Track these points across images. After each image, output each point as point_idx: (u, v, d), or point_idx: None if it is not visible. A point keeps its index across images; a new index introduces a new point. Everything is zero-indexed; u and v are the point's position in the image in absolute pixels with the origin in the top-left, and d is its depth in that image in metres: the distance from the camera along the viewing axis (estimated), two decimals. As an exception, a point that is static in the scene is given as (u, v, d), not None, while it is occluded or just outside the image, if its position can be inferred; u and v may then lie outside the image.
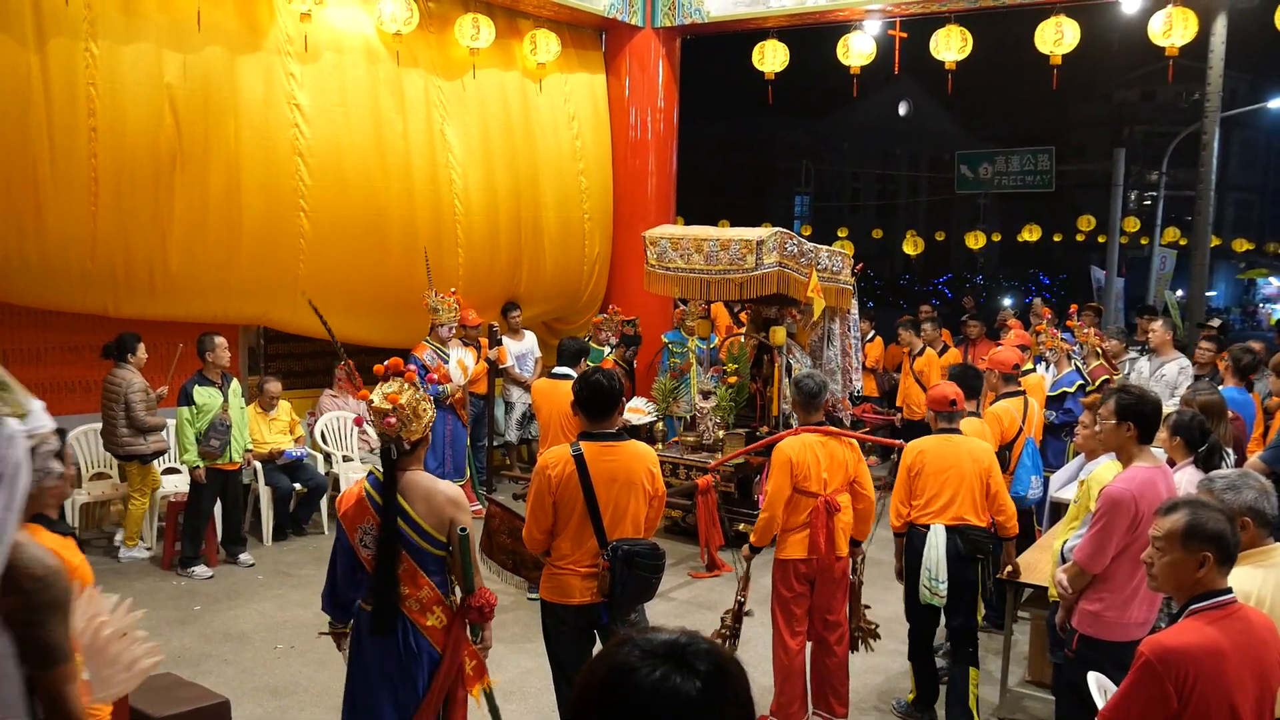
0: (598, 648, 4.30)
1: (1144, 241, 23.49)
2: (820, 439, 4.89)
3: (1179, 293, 19.00)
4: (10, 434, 1.97)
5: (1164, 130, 27.57)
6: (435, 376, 8.17)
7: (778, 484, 4.81)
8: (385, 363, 3.69)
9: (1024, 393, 6.51)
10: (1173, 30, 8.17)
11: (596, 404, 4.11)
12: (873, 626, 5.28)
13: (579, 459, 4.02)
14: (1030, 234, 21.43)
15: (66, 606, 2.24)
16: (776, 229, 7.79)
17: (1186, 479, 4.48)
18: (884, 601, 6.13)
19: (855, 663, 5.34)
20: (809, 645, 5.03)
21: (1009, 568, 5.07)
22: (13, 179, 6.80)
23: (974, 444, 5.15)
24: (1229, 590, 2.74)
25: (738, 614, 5.20)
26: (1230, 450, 5.08)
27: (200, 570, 7.14)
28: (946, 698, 5.21)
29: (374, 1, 8.38)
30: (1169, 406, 5.85)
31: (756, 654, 5.55)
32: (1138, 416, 3.94)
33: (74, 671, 2.30)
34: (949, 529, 4.99)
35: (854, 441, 5.03)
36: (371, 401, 3.64)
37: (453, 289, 8.48)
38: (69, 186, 6.99)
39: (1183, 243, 20.32)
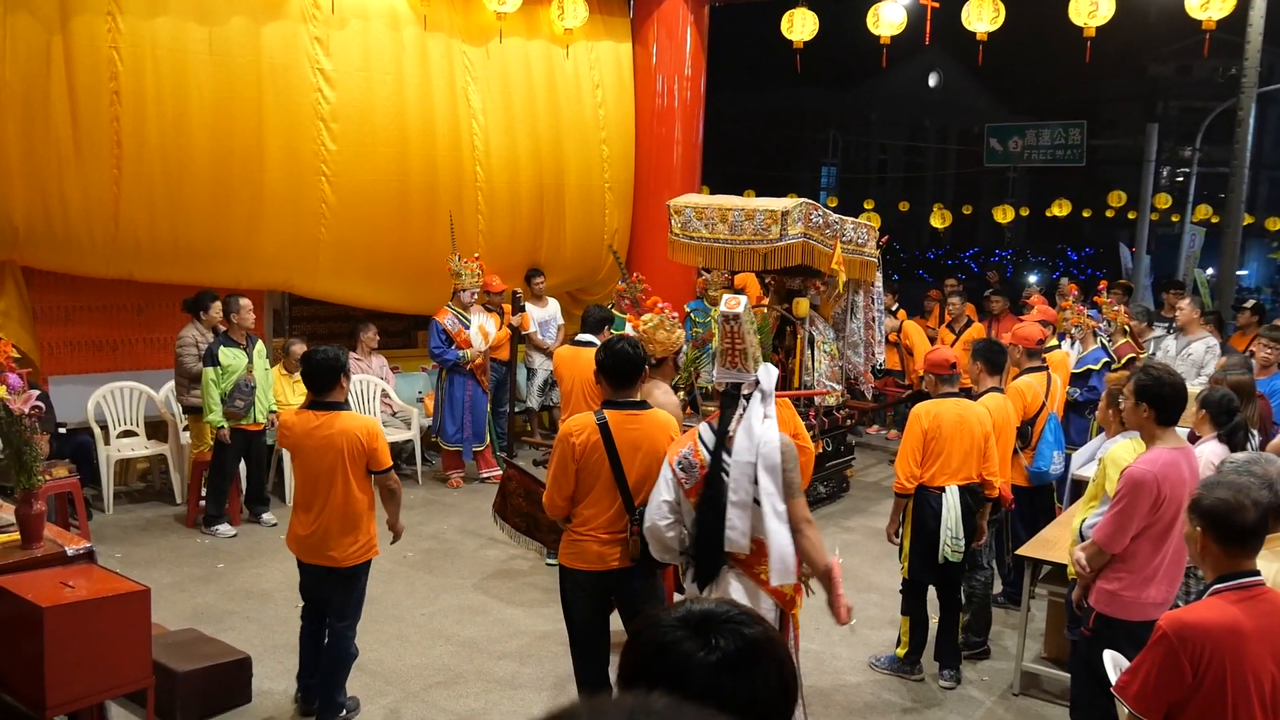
0: (614, 614, 4.34)
1: (1175, 219, 23.19)
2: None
3: (1209, 271, 18.76)
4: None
5: (1199, 106, 27.11)
6: (458, 341, 8.23)
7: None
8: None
9: (1047, 368, 6.47)
10: (1210, 3, 8.01)
11: (621, 371, 4.12)
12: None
13: (604, 427, 4.04)
14: (1060, 209, 21.20)
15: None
16: (802, 200, 7.74)
17: (1210, 452, 4.47)
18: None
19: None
20: None
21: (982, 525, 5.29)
22: (35, 149, 6.89)
23: (979, 408, 5.31)
24: (1257, 573, 2.73)
25: None
26: (1255, 432, 5.04)
27: (224, 529, 7.23)
28: (938, 642, 5.36)
29: (401, -36, 8.35)
30: (1195, 386, 5.80)
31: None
32: (1155, 398, 3.92)
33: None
34: (960, 489, 5.16)
35: (787, 400, 4.99)
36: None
37: (476, 255, 8.50)
38: (93, 155, 7.07)
39: (1215, 220, 20.04)
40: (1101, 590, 3.92)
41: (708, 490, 3.71)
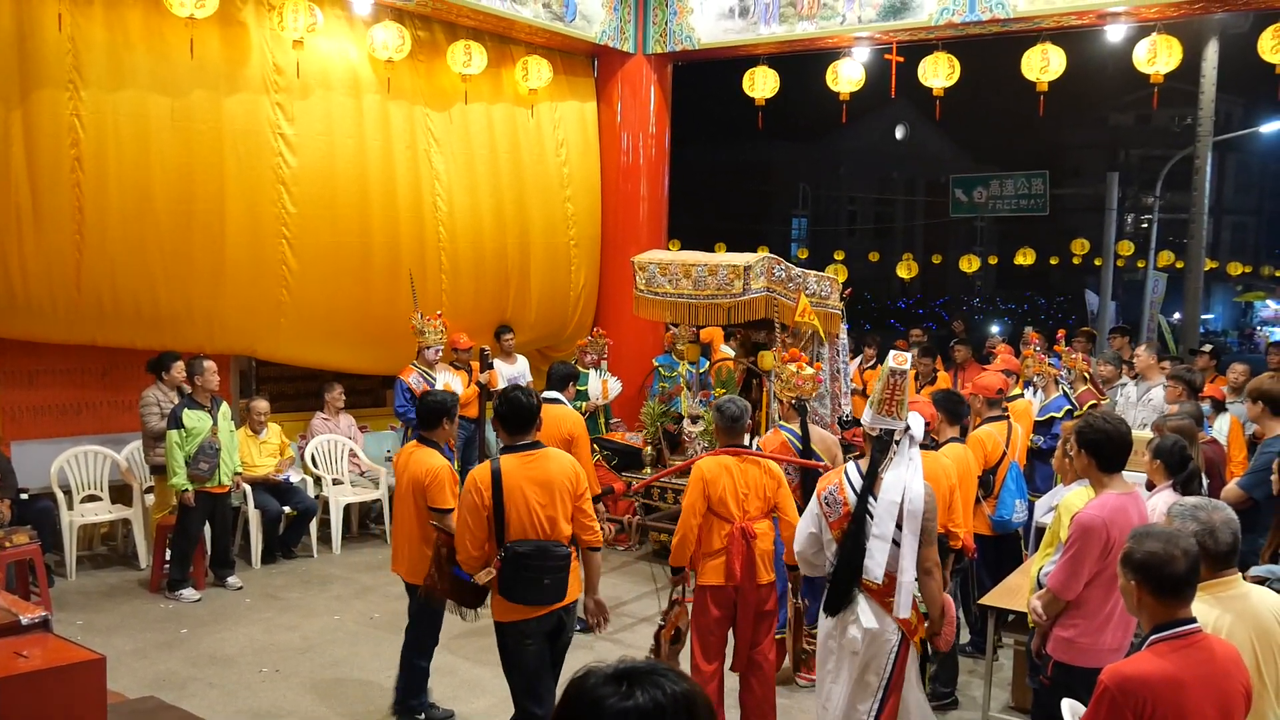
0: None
1: (1141, 265, 23.56)
2: (737, 461, 4.90)
3: (1176, 316, 19.05)
4: None
5: (1159, 154, 27.70)
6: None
7: (689, 501, 4.84)
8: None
9: (1008, 417, 6.55)
10: (1157, 58, 8.24)
11: (514, 420, 4.41)
12: (813, 648, 5.21)
13: (496, 474, 4.28)
14: (1025, 258, 21.50)
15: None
16: (764, 255, 7.84)
17: (1163, 501, 4.52)
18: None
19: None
20: (738, 677, 4.98)
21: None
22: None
23: (944, 460, 5.33)
24: (1192, 620, 2.76)
25: (658, 635, 5.03)
26: (1205, 476, 5.11)
27: (188, 593, 7.15)
28: None
29: (363, 30, 8.48)
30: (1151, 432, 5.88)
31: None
32: (1093, 446, 3.99)
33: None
34: None
35: (773, 466, 5.01)
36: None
37: (438, 311, 8.55)
38: (53, 222, 7.10)
39: (1179, 266, 20.39)
40: (1058, 638, 3.95)
41: (852, 525, 4.13)
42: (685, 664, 5.21)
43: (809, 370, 6.05)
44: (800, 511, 5.00)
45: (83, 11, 7.10)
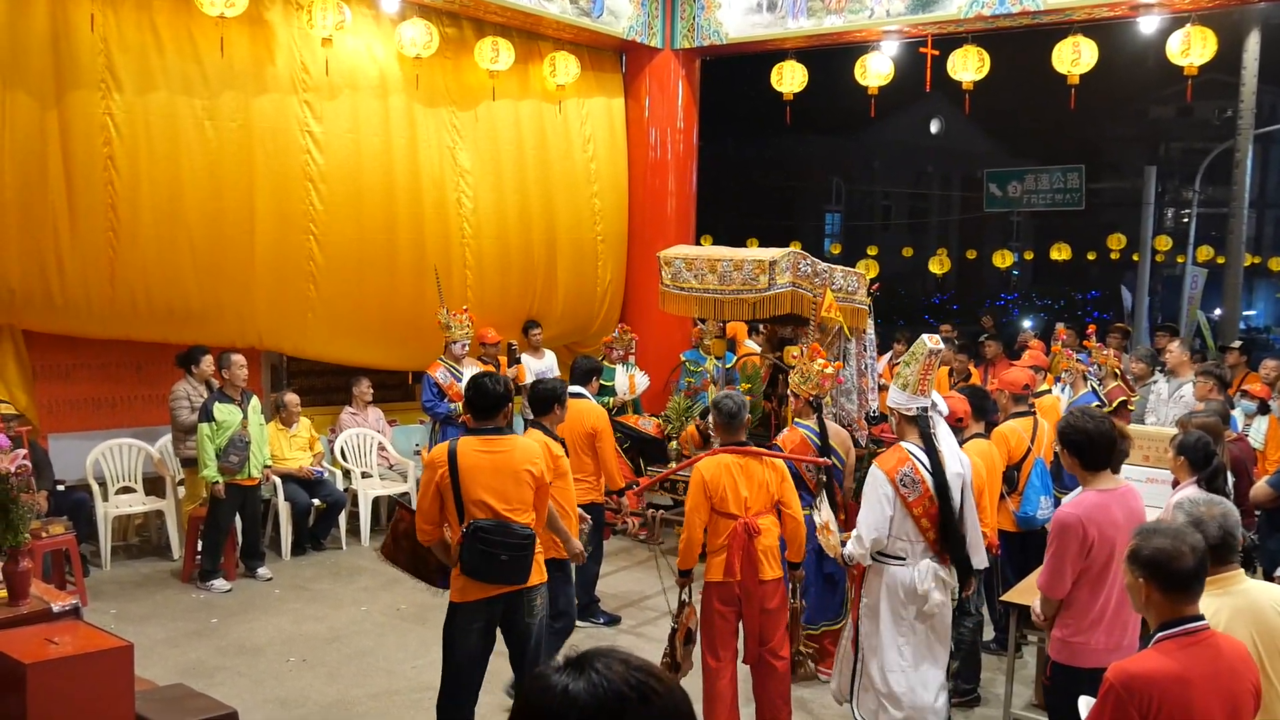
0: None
1: (1180, 260, 23.22)
2: (739, 460, 4.86)
3: (1216, 312, 18.74)
4: None
5: (1199, 147, 27.24)
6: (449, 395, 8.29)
7: (692, 503, 4.82)
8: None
9: (1034, 413, 6.49)
10: (1191, 49, 8.12)
11: (480, 403, 4.55)
12: (810, 651, 5.18)
13: (452, 454, 4.37)
14: (1059, 253, 21.24)
15: None
16: (790, 250, 7.82)
17: (1189, 498, 4.47)
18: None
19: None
20: (751, 670, 4.96)
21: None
22: (32, 215, 7.05)
23: (972, 457, 5.26)
24: (1199, 618, 2.74)
25: (672, 638, 5.06)
26: (1230, 474, 5.04)
27: (219, 584, 7.27)
28: None
29: (390, 28, 8.56)
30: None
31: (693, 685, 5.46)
32: (1073, 445, 3.99)
33: None
34: None
35: (778, 463, 4.99)
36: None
37: (465, 307, 8.61)
38: (88, 220, 7.23)
39: (1220, 261, 20.08)
40: (1054, 639, 3.94)
41: (943, 501, 4.56)
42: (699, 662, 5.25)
43: (832, 369, 6.01)
44: (804, 505, 5.03)
45: (115, 11, 7.23)
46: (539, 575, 4.57)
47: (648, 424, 8.54)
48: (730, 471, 4.82)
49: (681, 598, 5.04)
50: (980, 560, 4.76)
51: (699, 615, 4.96)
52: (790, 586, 5.01)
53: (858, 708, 4.87)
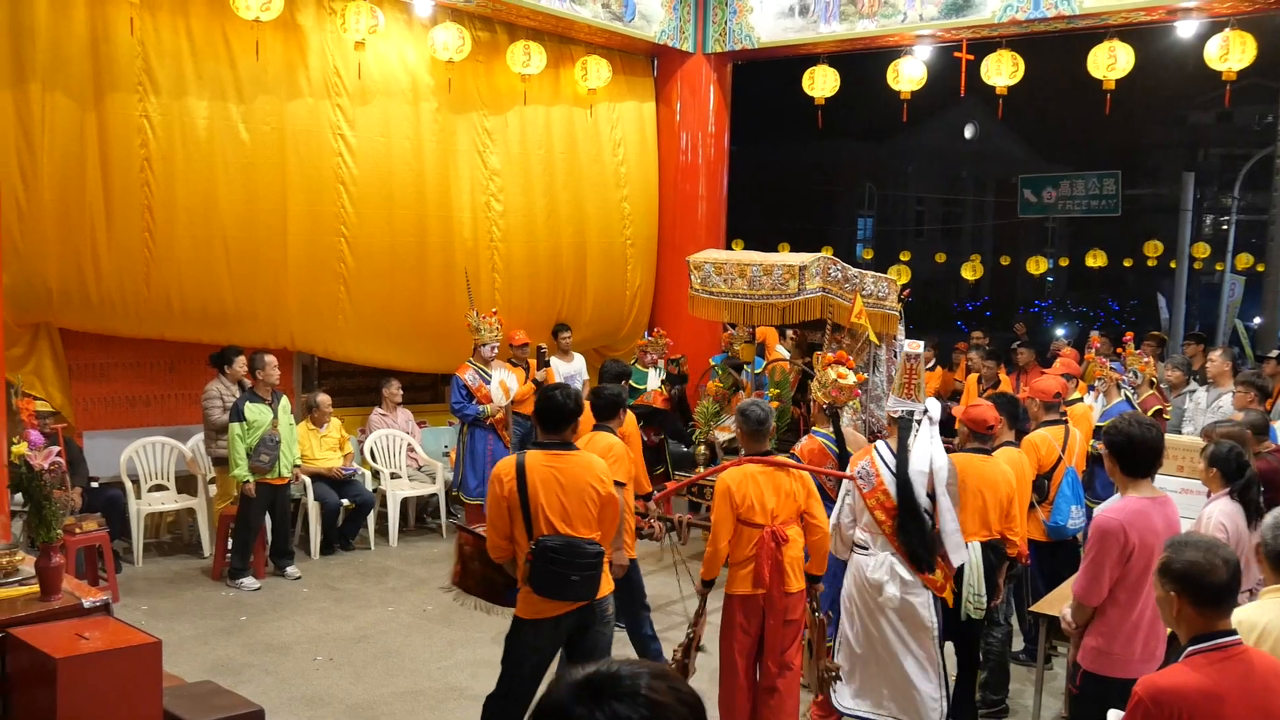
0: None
1: (1219, 267, 22.90)
2: (763, 469, 4.78)
3: (1256, 320, 18.45)
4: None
5: (1239, 153, 26.83)
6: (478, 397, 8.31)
7: (718, 515, 4.74)
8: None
9: (1066, 421, 6.41)
10: (1229, 54, 8.00)
11: (550, 417, 4.47)
12: (835, 669, 5.03)
13: (520, 467, 4.31)
14: (1095, 260, 20.99)
15: None
16: (820, 255, 7.79)
17: (1220, 510, 4.40)
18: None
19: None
20: (761, 677, 4.90)
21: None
22: (70, 215, 7.18)
23: (1004, 465, 5.27)
24: (1232, 632, 2.69)
25: (687, 648, 4.98)
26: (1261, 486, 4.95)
27: (248, 582, 7.33)
28: (955, 701, 5.11)
29: (422, 32, 8.61)
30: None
31: (701, 688, 5.28)
32: (1116, 450, 3.92)
33: None
34: (982, 545, 5.10)
35: (804, 474, 4.90)
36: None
37: (494, 309, 8.65)
38: (124, 221, 7.35)
39: (1260, 269, 19.78)
40: (1086, 647, 3.85)
41: (902, 494, 4.76)
42: (705, 672, 5.23)
43: (851, 379, 5.87)
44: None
45: (152, 15, 7.33)
46: (608, 586, 4.53)
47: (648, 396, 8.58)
48: (756, 481, 4.75)
49: (699, 608, 4.99)
50: (959, 558, 4.88)
51: (720, 627, 4.91)
52: (813, 601, 4.95)
53: (835, 695, 4.98)
